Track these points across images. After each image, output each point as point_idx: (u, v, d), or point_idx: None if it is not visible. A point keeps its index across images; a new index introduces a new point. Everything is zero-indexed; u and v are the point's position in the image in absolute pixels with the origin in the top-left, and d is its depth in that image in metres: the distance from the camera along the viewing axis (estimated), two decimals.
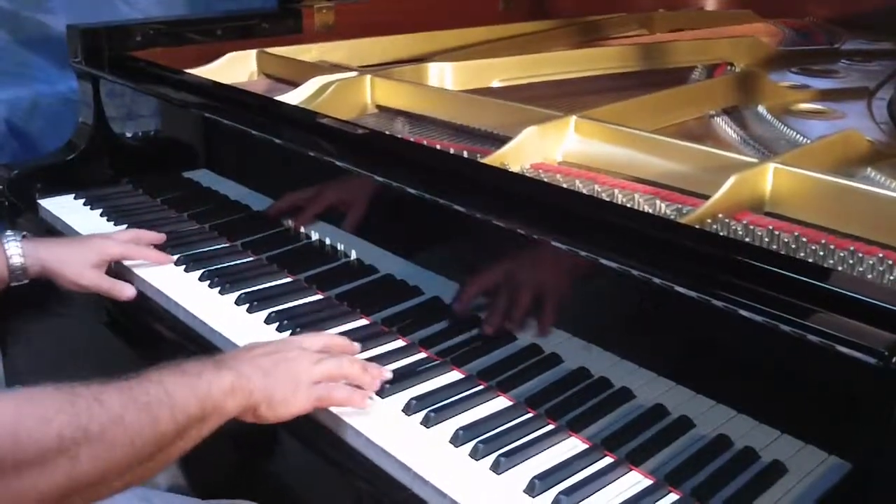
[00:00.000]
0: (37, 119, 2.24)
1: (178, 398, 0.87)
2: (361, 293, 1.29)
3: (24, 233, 1.34)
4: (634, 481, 0.92)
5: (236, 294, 1.30)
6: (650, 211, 1.12)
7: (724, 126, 1.47)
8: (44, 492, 0.77)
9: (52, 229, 1.66)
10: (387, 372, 1.07)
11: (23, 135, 2.23)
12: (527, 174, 1.24)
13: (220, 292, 1.32)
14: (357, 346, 1.13)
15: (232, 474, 1.31)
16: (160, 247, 1.44)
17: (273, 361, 0.99)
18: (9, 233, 1.31)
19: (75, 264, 1.31)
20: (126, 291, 1.34)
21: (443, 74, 1.72)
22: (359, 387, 1.04)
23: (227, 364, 0.95)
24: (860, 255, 0.96)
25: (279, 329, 1.21)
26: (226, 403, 0.92)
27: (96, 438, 0.79)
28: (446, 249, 1.20)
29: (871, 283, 0.91)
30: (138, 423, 0.83)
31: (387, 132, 1.43)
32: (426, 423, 1.01)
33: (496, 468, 0.93)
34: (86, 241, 1.39)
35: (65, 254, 1.32)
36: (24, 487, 0.76)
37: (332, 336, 1.13)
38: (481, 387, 1.07)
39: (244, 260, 1.44)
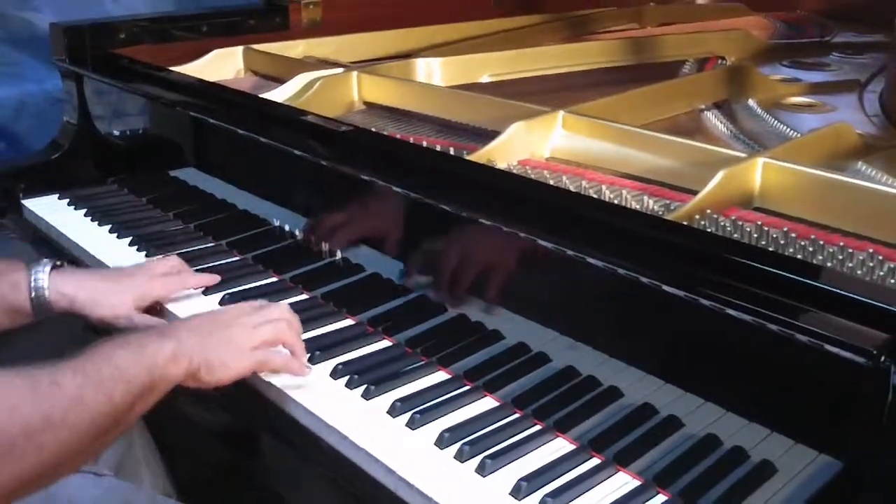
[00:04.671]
0: (24, 118, 2.23)
1: (129, 371, 0.90)
2: (347, 293, 1.27)
3: (58, 261, 1.21)
4: (622, 482, 0.90)
5: (220, 295, 1.29)
6: (638, 207, 1.10)
7: (714, 120, 1.46)
8: (13, 479, 0.79)
9: (37, 230, 1.64)
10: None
11: (10, 134, 2.22)
12: (514, 171, 1.23)
13: (203, 293, 1.30)
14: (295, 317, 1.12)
15: (216, 477, 1.30)
16: None
17: (212, 328, 1.02)
18: (43, 261, 1.19)
19: (110, 306, 1.18)
20: None
21: (431, 70, 1.71)
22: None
23: (168, 333, 0.98)
24: (850, 250, 0.95)
25: None
26: (170, 370, 0.94)
27: (59, 424, 0.81)
28: (432, 248, 1.19)
29: (860, 280, 0.90)
30: (95, 401, 0.85)
31: (373, 129, 1.41)
32: (411, 424, 0.99)
33: (482, 470, 0.91)
34: (125, 279, 1.24)
35: (100, 292, 1.19)
36: None
37: (270, 303, 1.13)
38: (468, 387, 1.06)
39: (229, 259, 1.42)
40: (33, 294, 1.16)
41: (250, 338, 1.03)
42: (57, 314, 1.19)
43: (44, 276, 1.17)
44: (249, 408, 1.12)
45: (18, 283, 1.17)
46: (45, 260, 1.21)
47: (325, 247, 1.32)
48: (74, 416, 0.83)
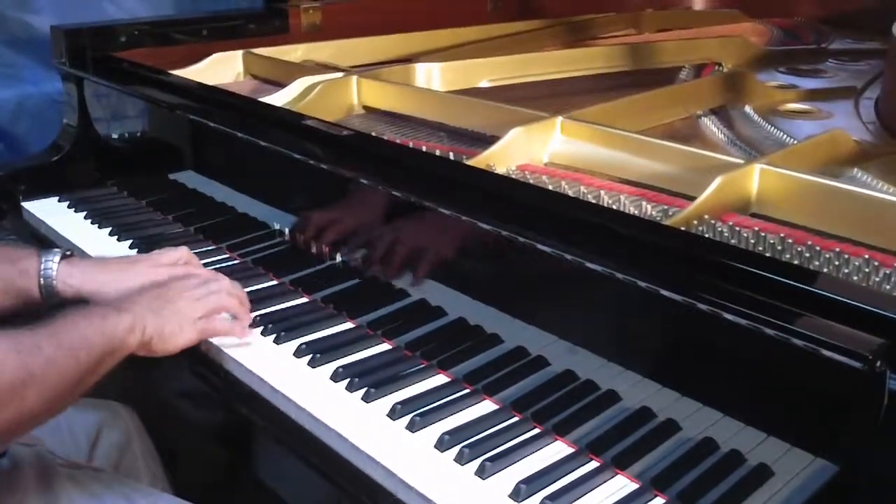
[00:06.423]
0: (23, 120, 2.23)
1: (92, 340, 1.01)
2: (347, 296, 1.28)
3: (68, 251, 1.24)
4: (620, 485, 0.91)
5: None
6: (636, 212, 1.11)
7: (711, 126, 1.47)
8: None
9: (37, 232, 1.65)
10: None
11: (8, 136, 2.22)
12: (513, 175, 1.24)
13: None
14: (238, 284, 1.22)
15: (214, 475, 1.31)
16: None
17: (162, 303, 1.12)
18: (53, 250, 1.22)
19: (112, 292, 1.20)
20: None
21: (430, 75, 1.72)
22: None
23: (125, 307, 1.08)
24: (846, 256, 0.96)
25: (264, 333, 1.21)
26: (127, 340, 1.05)
27: (39, 380, 0.92)
28: (431, 252, 1.19)
29: (855, 285, 0.91)
30: (66, 364, 0.96)
31: (373, 133, 1.42)
32: (411, 427, 1.00)
33: (481, 473, 0.92)
34: (129, 266, 1.26)
35: (102, 280, 1.22)
36: None
37: (214, 275, 1.23)
38: (467, 390, 1.07)
39: (229, 263, 1.43)
40: (42, 282, 1.20)
41: (196, 309, 1.13)
42: (66, 301, 1.22)
43: (53, 266, 1.21)
44: (248, 408, 1.12)
45: (28, 270, 1.21)
46: (56, 249, 1.24)
47: (324, 250, 1.33)
48: (50, 375, 0.94)
